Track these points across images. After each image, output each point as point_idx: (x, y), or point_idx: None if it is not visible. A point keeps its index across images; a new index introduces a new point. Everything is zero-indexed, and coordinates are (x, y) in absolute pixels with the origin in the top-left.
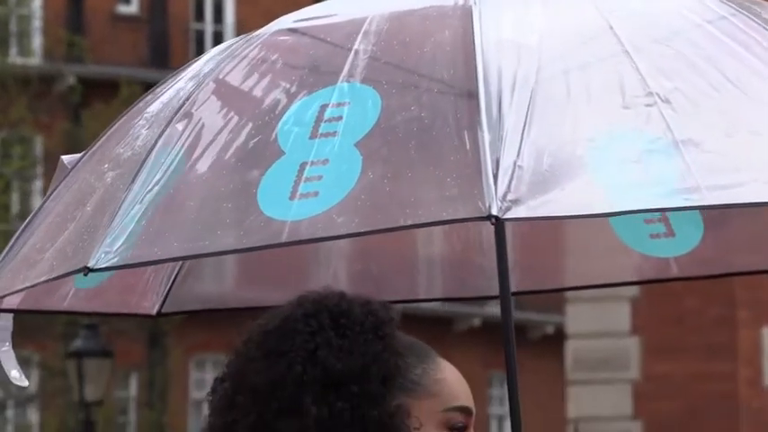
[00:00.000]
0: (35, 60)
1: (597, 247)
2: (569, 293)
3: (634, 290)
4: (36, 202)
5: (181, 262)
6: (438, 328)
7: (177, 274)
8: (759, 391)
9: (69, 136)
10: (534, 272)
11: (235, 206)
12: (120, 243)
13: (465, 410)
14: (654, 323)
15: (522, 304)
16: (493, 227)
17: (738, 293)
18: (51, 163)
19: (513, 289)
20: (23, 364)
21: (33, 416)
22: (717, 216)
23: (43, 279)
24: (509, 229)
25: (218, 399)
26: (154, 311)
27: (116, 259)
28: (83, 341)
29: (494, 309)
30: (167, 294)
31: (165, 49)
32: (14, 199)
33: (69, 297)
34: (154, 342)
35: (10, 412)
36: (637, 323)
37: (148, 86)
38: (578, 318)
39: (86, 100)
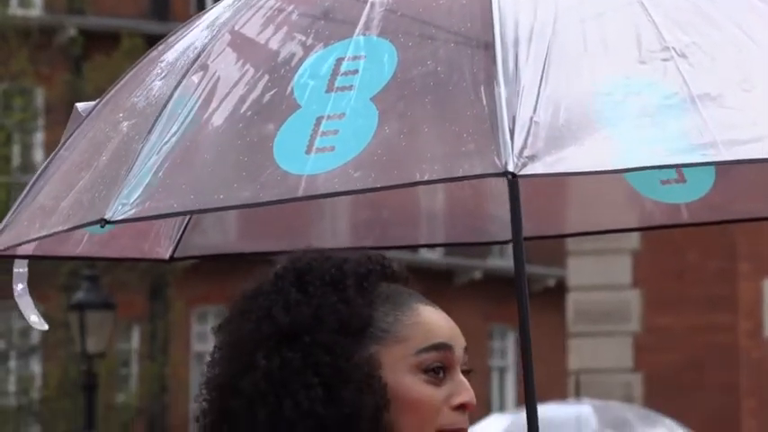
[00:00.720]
0: (36, 12)
1: (607, 192)
2: (571, 245)
3: (635, 243)
4: (37, 154)
5: None
6: (438, 282)
7: (189, 220)
8: (759, 342)
9: (70, 88)
10: (542, 218)
11: (251, 160)
12: (136, 195)
13: (440, 348)
14: (655, 276)
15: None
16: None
17: (739, 246)
18: (52, 115)
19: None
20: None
21: (36, 367)
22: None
23: (59, 229)
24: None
25: (211, 364)
26: (167, 256)
27: (133, 211)
28: (84, 293)
29: (495, 261)
30: (180, 239)
31: (166, 0)
32: (15, 151)
33: (84, 243)
34: (155, 294)
35: (12, 363)
36: (638, 276)
37: (149, 38)
38: (579, 271)
39: (87, 52)
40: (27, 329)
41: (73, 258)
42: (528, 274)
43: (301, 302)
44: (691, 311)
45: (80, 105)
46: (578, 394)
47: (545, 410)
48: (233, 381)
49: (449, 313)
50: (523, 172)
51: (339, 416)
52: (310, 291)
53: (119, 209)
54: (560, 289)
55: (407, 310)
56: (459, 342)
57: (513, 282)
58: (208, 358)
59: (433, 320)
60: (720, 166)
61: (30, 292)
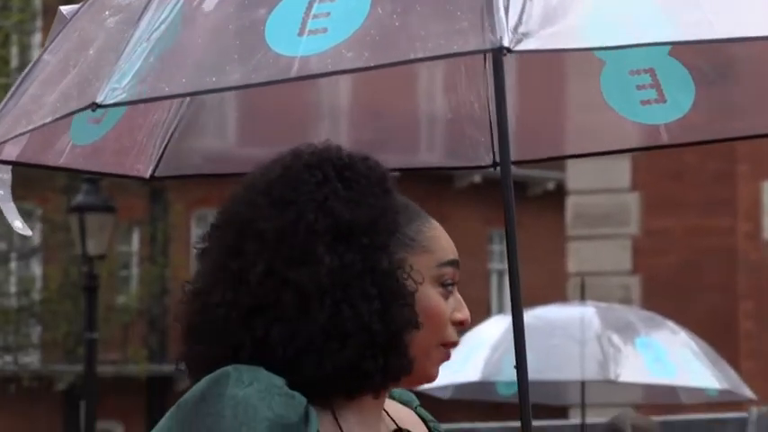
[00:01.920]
0: None
1: (587, 114)
2: None
3: None
4: (35, 55)
5: (174, 125)
6: (439, 185)
7: (170, 138)
8: (758, 244)
9: None
10: (523, 141)
11: (243, 43)
12: (128, 79)
13: (454, 264)
14: (654, 178)
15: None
16: (492, 92)
17: (738, 147)
18: (51, 16)
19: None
20: (26, 216)
21: (36, 268)
22: (708, 81)
23: (49, 120)
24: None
25: (217, 245)
26: (147, 174)
27: (124, 95)
28: (84, 196)
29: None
30: (161, 157)
31: None
32: (13, 52)
33: (66, 153)
34: (155, 197)
35: (13, 265)
36: (637, 179)
37: None
38: (579, 174)
39: None
40: None
41: (55, 168)
42: (527, 178)
43: (355, 200)
44: (689, 214)
45: (64, 9)
46: (583, 297)
47: (548, 312)
48: (281, 270)
49: (449, 217)
50: (518, 48)
51: (388, 333)
52: (357, 189)
53: (110, 93)
54: (560, 192)
55: (425, 221)
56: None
57: (513, 185)
58: (202, 243)
59: (445, 236)
60: (700, 84)
61: (29, 194)
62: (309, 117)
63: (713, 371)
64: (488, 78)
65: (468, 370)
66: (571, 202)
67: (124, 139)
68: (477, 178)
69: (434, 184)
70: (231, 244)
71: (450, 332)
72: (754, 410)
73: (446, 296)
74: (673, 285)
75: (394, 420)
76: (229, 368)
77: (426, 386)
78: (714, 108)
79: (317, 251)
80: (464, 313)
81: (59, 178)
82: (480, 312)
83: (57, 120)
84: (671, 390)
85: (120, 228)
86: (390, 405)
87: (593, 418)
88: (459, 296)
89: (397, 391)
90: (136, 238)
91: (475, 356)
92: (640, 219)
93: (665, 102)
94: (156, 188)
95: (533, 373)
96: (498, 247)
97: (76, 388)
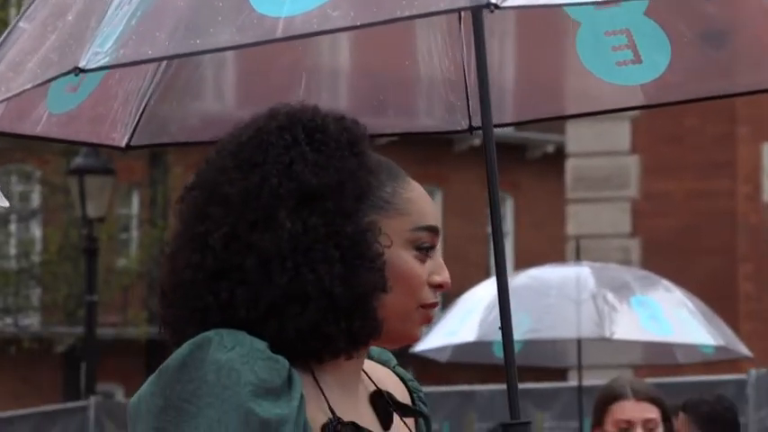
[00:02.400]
0: None
1: (563, 76)
2: None
3: None
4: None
5: (149, 93)
6: (438, 148)
7: (145, 108)
8: (757, 206)
9: None
10: (499, 104)
11: (226, 5)
12: (110, 43)
13: (432, 230)
14: (654, 141)
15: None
16: (466, 56)
17: (739, 110)
18: None
19: (497, 120)
20: (25, 179)
21: (36, 230)
22: (683, 41)
23: (29, 86)
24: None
25: (188, 208)
26: (123, 143)
27: (107, 59)
28: (84, 158)
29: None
30: (136, 126)
31: None
32: (12, 14)
33: (42, 122)
34: (155, 160)
35: (13, 227)
36: (637, 142)
37: None
38: (579, 137)
39: None
40: (27, 193)
41: (31, 138)
42: (527, 140)
43: (322, 164)
44: (689, 176)
45: None
46: (578, 258)
47: (543, 272)
48: (244, 234)
49: (449, 180)
50: (505, 4)
51: (351, 296)
52: (326, 151)
53: (92, 58)
54: (559, 155)
55: (403, 182)
56: (439, 225)
57: (511, 148)
58: (178, 206)
59: (424, 199)
60: (675, 44)
61: (28, 156)
62: (285, 79)
63: (708, 328)
64: (464, 42)
65: (463, 331)
66: (571, 165)
67: (100, 107)
68: (476, 141)
69: (434, 148)
70: (200, 207)
71: (427, 294)
72: (753, 372)
73: (422, 259)
74: (672, 248)
75: (373, 381)
76: (211, 333)
77: (423, 348)
78: (690, 68)
79: (278, 216)
80: (443, 276)
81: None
82: (479, 275)
83: (38, 86)
84: (668, 349)
85: (119, 190)
86: (368, 365)
87: (592, 380)
88: (440, 260)
89: (375, 350)
90: (135, 201)
91: (470, 318)
92: (640, 182)
93: (641, 62)
94: (156, 151)
95: (530, 333)
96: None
97: (76, 350)
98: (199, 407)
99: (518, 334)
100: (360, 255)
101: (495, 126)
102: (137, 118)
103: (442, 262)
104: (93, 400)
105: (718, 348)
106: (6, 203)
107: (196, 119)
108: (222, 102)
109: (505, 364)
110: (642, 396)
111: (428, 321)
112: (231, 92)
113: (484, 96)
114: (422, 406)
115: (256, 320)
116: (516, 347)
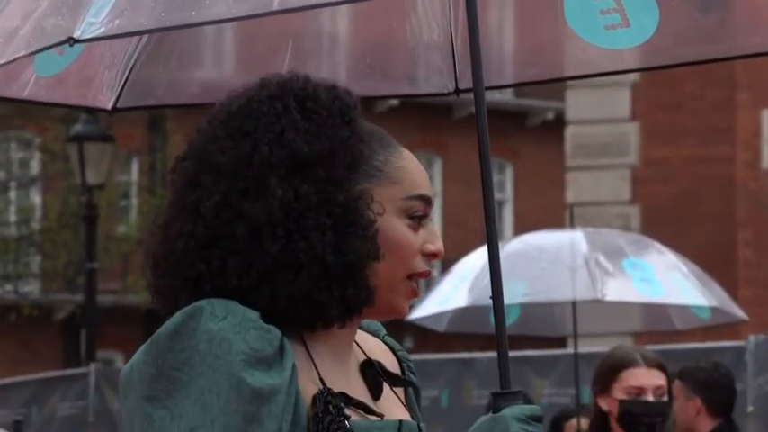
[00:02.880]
0: None
1: (551, 40)
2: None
3: (634, 76)
4: None
5: (136, 54)
6: (437, 115)
7: (131, 70)
8: (757, 173)
9: None
10: (487, 67)
11: None
12: (105, 13)
13: (425, 199)
14: (653, 108)
15: (521, 91)
16: (453, 19)
17: (739, 76)
18: None
19: (495, 82)
20: (25, 146)
21: (36, 198)
22: (671, 5)
23: (22, 54)
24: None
25: (180, 177)
26: (109, 106)
27: (102, 30)
28: (83, 125)
29: (494, 95)
30: (122, 89)
31: None
32: None
33: (30, 85)
34: (154, 127)
35: (13, 194)
36: (636, 109)
37: None
38: (578, 104)
39: None
40: (26, 160)
41: (18, 101)
42: (527, 108)
43: (313, 132)
44: (689, 143)
45: None
46: (572, 224)
47: (535, 237)
48: (235, 202)
49: (448, 147)
50: None
51: (343, 264)
52: (317, 120)
53: (87, 28)
54: (559, 122)
55: (394, 151)
56: (433, 194)
57: (511, 115)
58: (171, 175)
59: (416, 168)
60: (664, 7)
61: (28, 123)
62: (273, 43)
63: (702, 290)
64: (450, 5)
65: (456, 298)
66: (570, 132)
67: (87, 70)
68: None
69: (433, 115)
70: (191, 176)
71: (419, 263)
72: (752, 338)
73: (415, 228)
74: (672, 215)
75: (364, 351)
76: (203, 302)
77: (418, 316)
78: (678, 32)
79: (269, 184)
80: (436, 245)
81: (58, 107)
82: (477, 242)
83: (31, 54)
84: (665, 315)
85: (118, 157)
86: (359, 336)
87: (589, 347)
88: (434, 229)
89: (364, 321)
90: (135, 169)
91: (462, 285)
92: (640, 148)
93: (628, 26)
94: (156, 118)
95: (524, 297)
96: (496, 177)
97: (76, 317)
98: (190, 376)
99: (513, 298)
100: (352, 223)
101: (493, 88)
102: (123, 80)
103: (436, 231)
104: (93, 366)
105: (713, 311)
106: None
107: (184, 81)
108: (210, 66)
109: (496, 332)
110: (652, 363)
111: (414, 295)
112: (222, 56)
113: (475, 56)
114: (411, 375)
115: (248, 289)
116: (513, 315)
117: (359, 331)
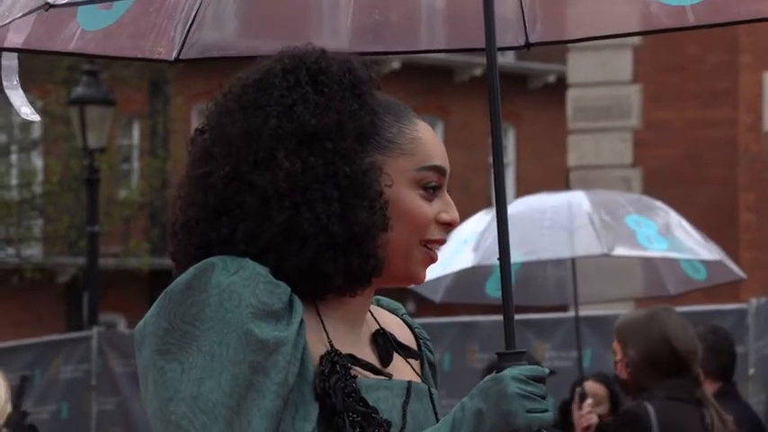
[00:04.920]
0: None
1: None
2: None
3: (636, 38)
4: None
5: (196, 7)
6: (439, 79)
7: (194, 20)
8: (759, 135)
9: None
10: (546, 23)
11: None
12: None
13: (439, 170)
14: (655, 71)
15: (523, 53)
16: None
17: (740, 38)
18: None
19: (531, 40)
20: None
21: (37, 161)
22: None
23: (7, 21)
24: None
25: (196, 149)
26: (171, 57)
27: None
28: (84, 88)
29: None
30: (185, 40)
31: None
32: None
33: (76, 38)
34: (155, 90)
35: (14, 157)
36: (638, 71)
37: None
38: (580, 66)
39: None
40: (28, 123)
41: (66, 54)
42: (528, 70)
43: (322, 105)
44: (691, 106)
45: None
46: (568, 188)
47: (536, 199)
48: (245, 173)
49: (450, 111)
50: None
51: (349, 234)
52: (327, 93)
53: None
54: (561, 85)
55: (408, 122)
56: (448, 166)
57: (513, 78)
58: (189, 148)
59: (430, 139)
60: None
61: (29, 86)
62: (309, 6)
63: (705, 245)
64: None
65: (459, 261)
66: (572, 95)
67: (141, 22)
68: (477, 71)
69: (435, 79)
70: (205, 149)
71: (433, 231)
72: (754, 301)
73: (429, 198)
74: (673, 178)
75: (378, 323)
76: (215, 258)
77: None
78: None
79: (278, 156)
80: (451, 214)
81: (60, 70)
82: (480, 205)
83: (15, 20)
84: (658, 280)
85: (120, 121)
86: (377, 311)
87: (590, 310)
88: (449, 199)
89: (384, 300)
90: (136, 132)
91: (465, 247)
92: (641, 111)
93: None
94: (156, 81)
95: (526, 255)
96: None
97: (78, 280)
98: (201, 330)
99: (514, 257)
100: (358, 194)
101: (546, 44)
102: (184, 32)
103: (451, 201)
104: (95, 330)
105: (710, 271)
106: (37, 117)
107: (239, 31)
108: (262, 19)
109: (502, 292)
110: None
111: (432, 261)
112: (268, 10)
113: (488, 21)
114: (428, 353)
115: (256, 255)
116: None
117: (377, 307)
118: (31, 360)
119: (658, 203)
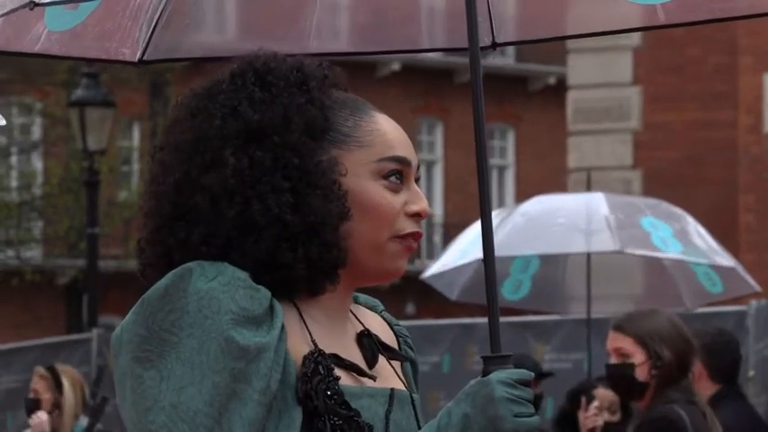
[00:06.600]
0: None
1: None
2: (571, 43)
3: (636, 40)
4: None
5: (160, 8)
6: (439, 80)
7: (158, 21)
8: (759, 137)
9: None
10: (520, 21)
11: None
12: None
13: (401, 160)
14: (655, 72)
15: (523, 54)
16: None
17: (740, 40)
18: None
19: (502, 39)
20: (26, 111)
21: (37, 163)
22: None
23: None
24: None
25: (155, 165)
26: (135, 58)
27: None
28: (84, 90)
29: (495, 61)
30: (149, 41)
31: None
32: None
33: (42, 39)
34: (156, 92)
35: (14, 159)
36: (638, 73)
37: None
38: (580, 68)
39: None
40: (28, 125)
41: (31, 55)
42: (528, 72)
43: (268, 101)
44: (691, 108)
45: None
46: (589, 189)
47: (555, 199)
48: (196, 177)
49: (449, 112)
50: None
51: (304, 223)
52: (274, 91)
53: None
54: (561, 86)
55: (365, 116)
56: (414, 157)
57: (513, 80)
58: (151, 164)
59: (391, 131)
60: None
61: (29, 88)
62: (302, 2)
63: (719, 251)
64: None
65: (475, 251)
66: (572, 96)
67: (106, 23)
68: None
69: (435, 80)
70: (161, 161)
71: (403, 224)
72: (754, 303)
73: (395, 189)
74: (674, 179)
75: (362, 323)
76: (193, 264)
77: (430, 273)
78: None
79: (224, 155)
80: (420, 205)
81: (59, 72)
82: (479, 206)
83: (5, 14)
84: (674, 292)
85: (120, 123)
86: (358, 310)
87: (595, 313)
88: (417, 189)
89: (362, 296)
90: (136, 134)
91: (478, 242)
92: (641, 113)
93: None
94: (157, 83)
95: (540, 248)
96: (498, 143)
97: (78, 282)
98: (180, 337)
99: (531, 250)
100: (311, 184)
101: (514, 43)
102: (149, 33)
103: (419, 191)
104: (95, 332)
105: (725, 281)
106: (3, 122)
107: (210, 35)
108: (237, 19)
109: (486, 295)
110: (614, 325)
111: (409, 252)
112: (251, 11)
113: (471, 20)
114: (408, 351)
115: (217, 256)
116: (524, 289)
117: (358, 306)
118: (32, 362)
119: (677, 210)
